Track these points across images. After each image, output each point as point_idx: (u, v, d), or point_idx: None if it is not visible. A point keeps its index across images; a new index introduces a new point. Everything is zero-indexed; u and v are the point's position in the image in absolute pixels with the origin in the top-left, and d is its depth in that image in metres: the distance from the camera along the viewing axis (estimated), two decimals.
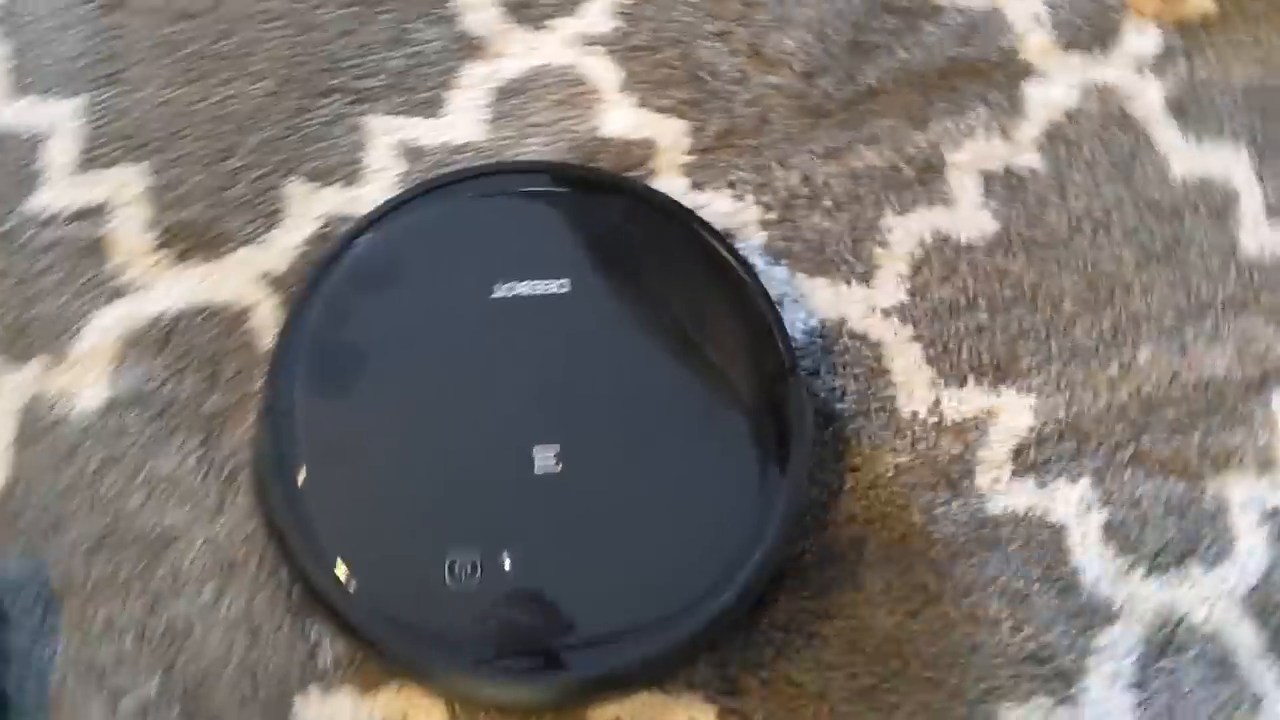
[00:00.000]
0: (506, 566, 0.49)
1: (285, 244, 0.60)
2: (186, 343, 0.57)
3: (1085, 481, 0.57)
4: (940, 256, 0.62)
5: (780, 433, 0.53)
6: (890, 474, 0.57)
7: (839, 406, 0.58)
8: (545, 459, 0.51)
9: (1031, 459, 0.58)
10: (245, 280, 0.59)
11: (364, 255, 0.55)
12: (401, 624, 0.48)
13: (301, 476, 0.51)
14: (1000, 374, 0.60)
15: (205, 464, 0.55)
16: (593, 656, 0.49)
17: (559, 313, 0.54)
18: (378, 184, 0.62)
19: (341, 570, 0.49)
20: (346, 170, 0.62)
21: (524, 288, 0.54)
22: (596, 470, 0.51)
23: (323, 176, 0.62)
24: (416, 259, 0.55)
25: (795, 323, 0.59)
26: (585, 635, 0.49)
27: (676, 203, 0.59)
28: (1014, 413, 0.59)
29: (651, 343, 0.55)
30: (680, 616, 0.49)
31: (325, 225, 0.61)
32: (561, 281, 0.55)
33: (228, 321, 0.58)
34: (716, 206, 0.62)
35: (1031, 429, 0.58)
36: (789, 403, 0.53)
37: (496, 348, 0.54)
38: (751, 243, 0.62)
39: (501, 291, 0.54)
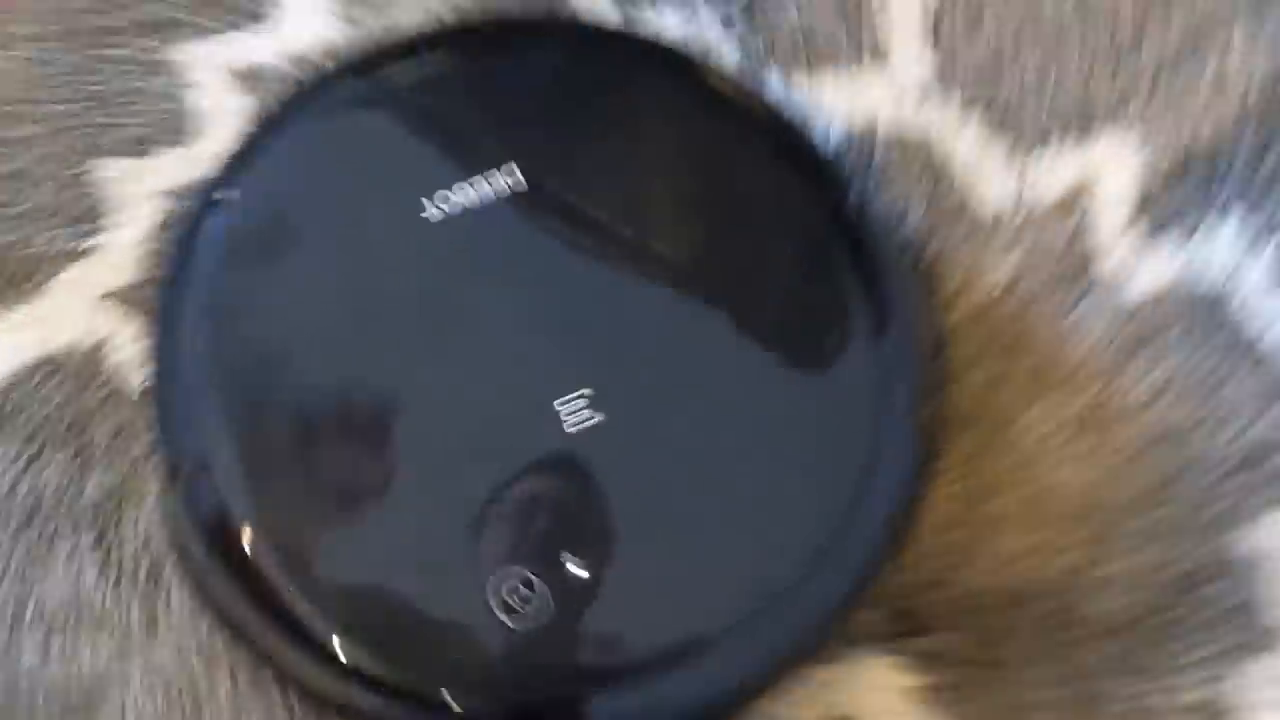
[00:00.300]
0: (574, 573, 0.35)
1: (120, 246, 0.44)
2: (30, 418, 0.41)
3: (1233, 218, 0.44)
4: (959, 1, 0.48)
5: (870, 295, 0.39)
6: (997, 293, 0.44)
7: (906, 233, 0.44)
8: (575, 411, 0.36)
9: (1159, 211, 0.45)
10: (83, 310, 0.43)
11: (237, 214, 0.39)
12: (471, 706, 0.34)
13: (248, 538, 0.35)
14: (1084, 120, 0.46)
15: (110, 570, 0.39)
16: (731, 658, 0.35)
17: (517, 219, 0.39)
18: (215, 132, 0.45)
19: (347, 649, 0.34)
20: (168, 126, 0.45)
21: (463, 196, 0.39)
22: (648, 408, 0.37)
23: (140, 145, 0.45)
24: (310, 200, 0.39)
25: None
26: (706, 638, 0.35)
27: (625, 33, 0.44)
28: (1117, 161, 0.45)
29: (661, 229, 0.40)
30: (825, 561, 0.36)
31: (166, 204, 0.44)
32: (509, 176, 0.39)
33: (77, 370, 0.42)
34: (663, 25, 0.47)
35: (1145, 174, 0.45)
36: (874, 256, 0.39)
37: (455, 287, 0.38)
38: (723, 61, 0.46)
39: (435, 208, 0.38)
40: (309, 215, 0.38)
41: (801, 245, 0.39)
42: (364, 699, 0.35)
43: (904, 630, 0.39)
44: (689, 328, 0.38)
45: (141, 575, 0.39)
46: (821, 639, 0.37)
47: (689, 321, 0.38)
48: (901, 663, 0.39)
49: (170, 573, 0.39)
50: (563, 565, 0.35)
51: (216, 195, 0.39)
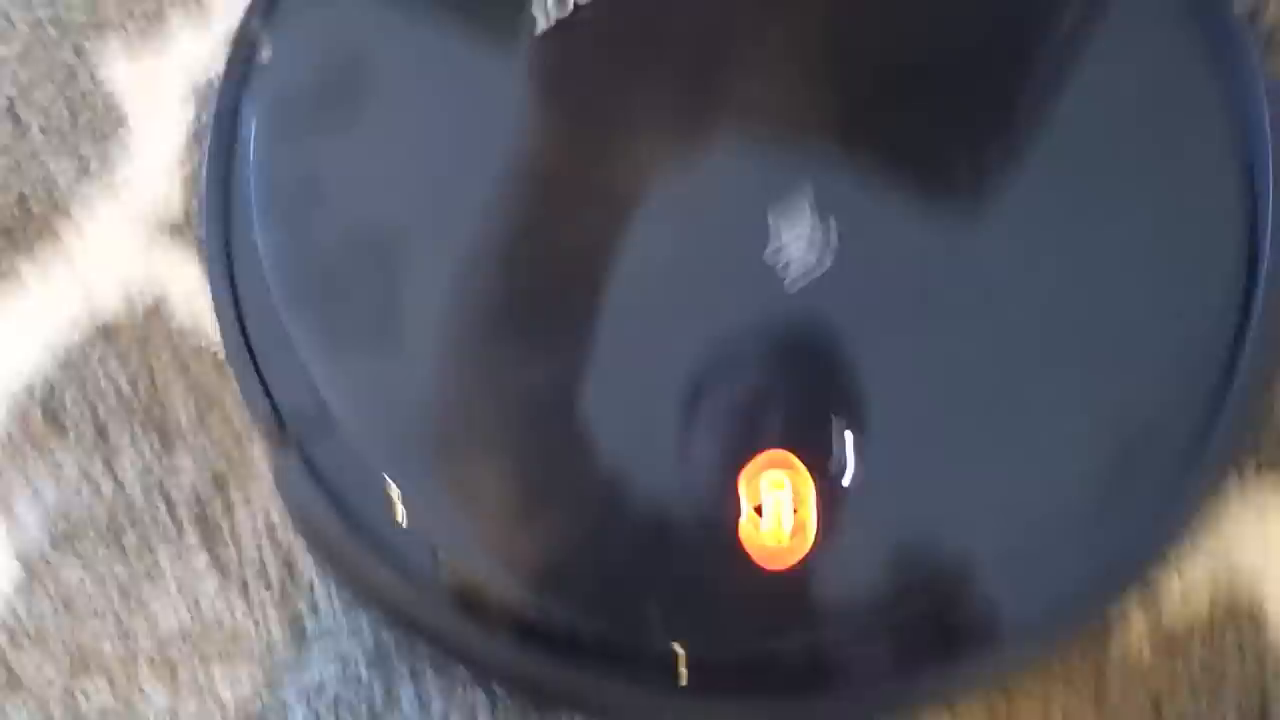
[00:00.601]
0: (849, 468, 0.25)
1: (155, 169, 0.34)
2: (96, 405, 0.32)
3: None
4: None
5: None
6: None
7: None
8: (799, 257, 0.26)
9: None
10: (128, 251, 0.34)
11: (283, 79, 0.28)
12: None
13: (402, 500, 0.26)
14: None
15: (231, 573, 0.30)
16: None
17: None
18: None
19: (560, 614, 0.25)
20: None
21: None
22: (903, 245, 0.26)
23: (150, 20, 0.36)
24: (370, 39, 0.29)
25: None
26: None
27: None
28: None
29: None
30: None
31: (193, 103, 0.34)
32: None
33: (140, 336, 0.33)
34: None
35: None
36: None
37: (593, 112, 0.28)
38: None
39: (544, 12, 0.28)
40: (375, 59, 0.28)
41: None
42: (586, 676, 0.26)
43: None
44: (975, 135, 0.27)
45: (272, 573, 0.30)
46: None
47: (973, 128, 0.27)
48: None
49: (307, 564, 0.30)
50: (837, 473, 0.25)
51: (256, 58, 0.29)
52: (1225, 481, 0.26)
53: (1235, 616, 0.28)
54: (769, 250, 0.26)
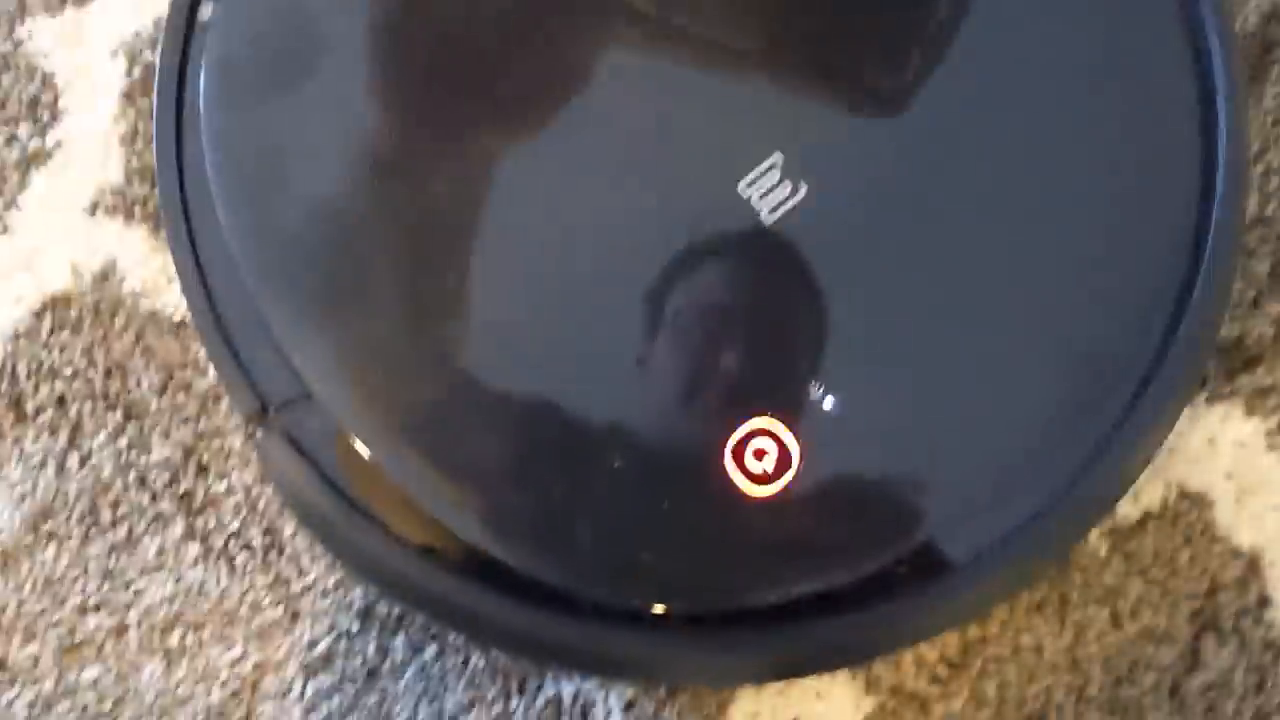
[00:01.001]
0: (827, 408, 0.25)
1: (91, 133, 0.33)
2: (54, 382, 0.31)
3: None
4: None
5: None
6: None
7: None
8: (771, 190, 0.26)
9: None
10: (71, 227, 0.32)
11: (232, 33, 0.27)
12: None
13: (390, 466, 0.26)
14: None
15: (214, 547, 0.30)
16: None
17: None
18: None
19: (550, 570, 0.25)
20: None
21: None
22: (878, 185, 0.26)
23: None
24: None
25: None
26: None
27: None
28: None
29: None
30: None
31: (129, 60, 0.33)
32: None
33: (93, 305, 0.32)
34: None
35: None
36: None
37: (564, 55, 0.27)
38: None
39: None
40: (328, 11, 0.27)
41: None
42: (572, 625, 0.26)
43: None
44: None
45: (254, 540, 0.30)
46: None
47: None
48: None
49: (289, 527, 0.30)
50: (812, 402, 0.25)
51: (200, 14, 0.27)
52: (1178, 410, 0.27)
53: (1184, 512, 0.30)
54: (740, 183, 0.26)
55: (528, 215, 0.26)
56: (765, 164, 0.26)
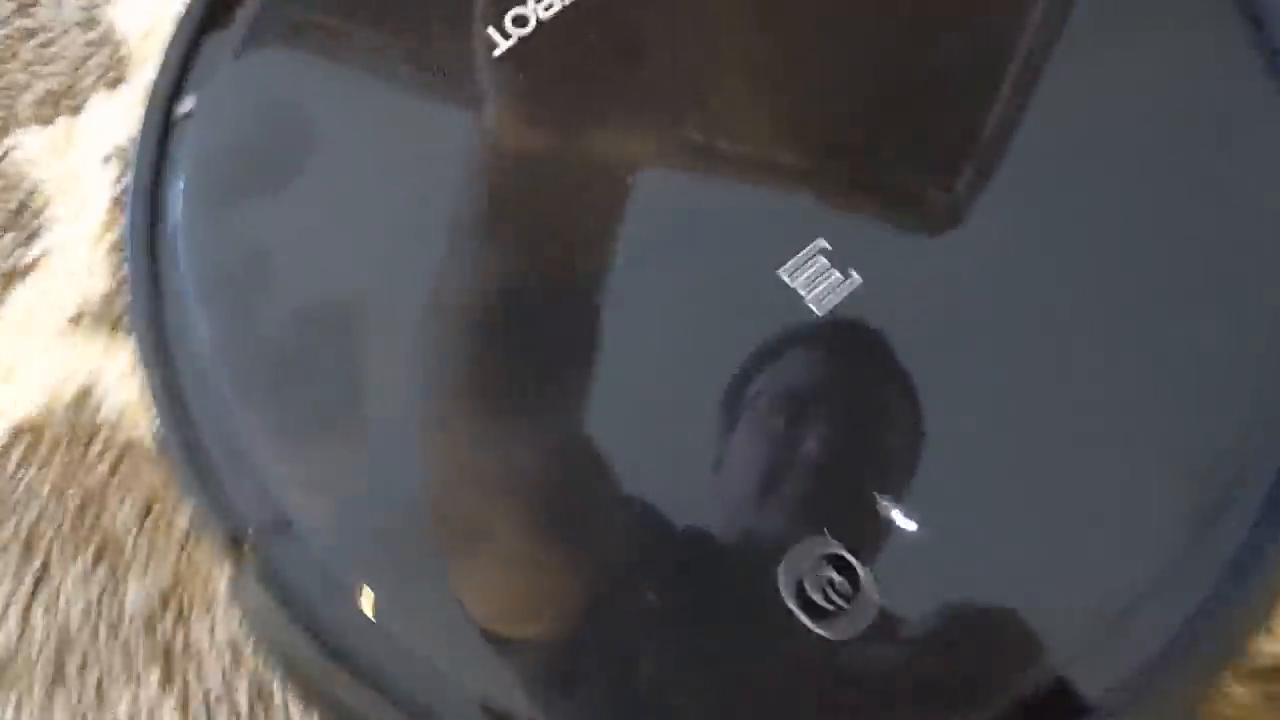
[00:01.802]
0: (904, 529, 0.21)
1: (74, 245, 0.30)
2: (21, 517, 0.28)
3: None
4: None
5: None
6: None
7: None
8: (818, 278, 0.22)
9: None
10: (49, 345, 0.30)
11: (211, 133, 0.24)
12: None
13: (375, 605, 0.22)
14: None
15: (191, 708, 0.26)
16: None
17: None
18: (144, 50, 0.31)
19: None
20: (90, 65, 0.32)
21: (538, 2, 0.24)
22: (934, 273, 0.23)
23: (54, 101, 0.32)
24: (309, 82, 0.25)
25: None
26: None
27: None
28: None
29: None
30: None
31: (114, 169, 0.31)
32: None
33: (67, 431, 0.29)
34: None
35: None
36: None
37: (562, 144, 0.24)
38: None
39: (503, 33, 0.24)
40: (312, 106, 0.24)
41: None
42: None
43: None
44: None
45: (240, 698, 0.26)
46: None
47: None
48: None
49: (286, 694, 0.26)
50: (884, 521, 0.21)
51: (177, 112, 0.25)
52: None
53: None
54: (780, 270, 0.22)
55: (534, 330, 0.23)
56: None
